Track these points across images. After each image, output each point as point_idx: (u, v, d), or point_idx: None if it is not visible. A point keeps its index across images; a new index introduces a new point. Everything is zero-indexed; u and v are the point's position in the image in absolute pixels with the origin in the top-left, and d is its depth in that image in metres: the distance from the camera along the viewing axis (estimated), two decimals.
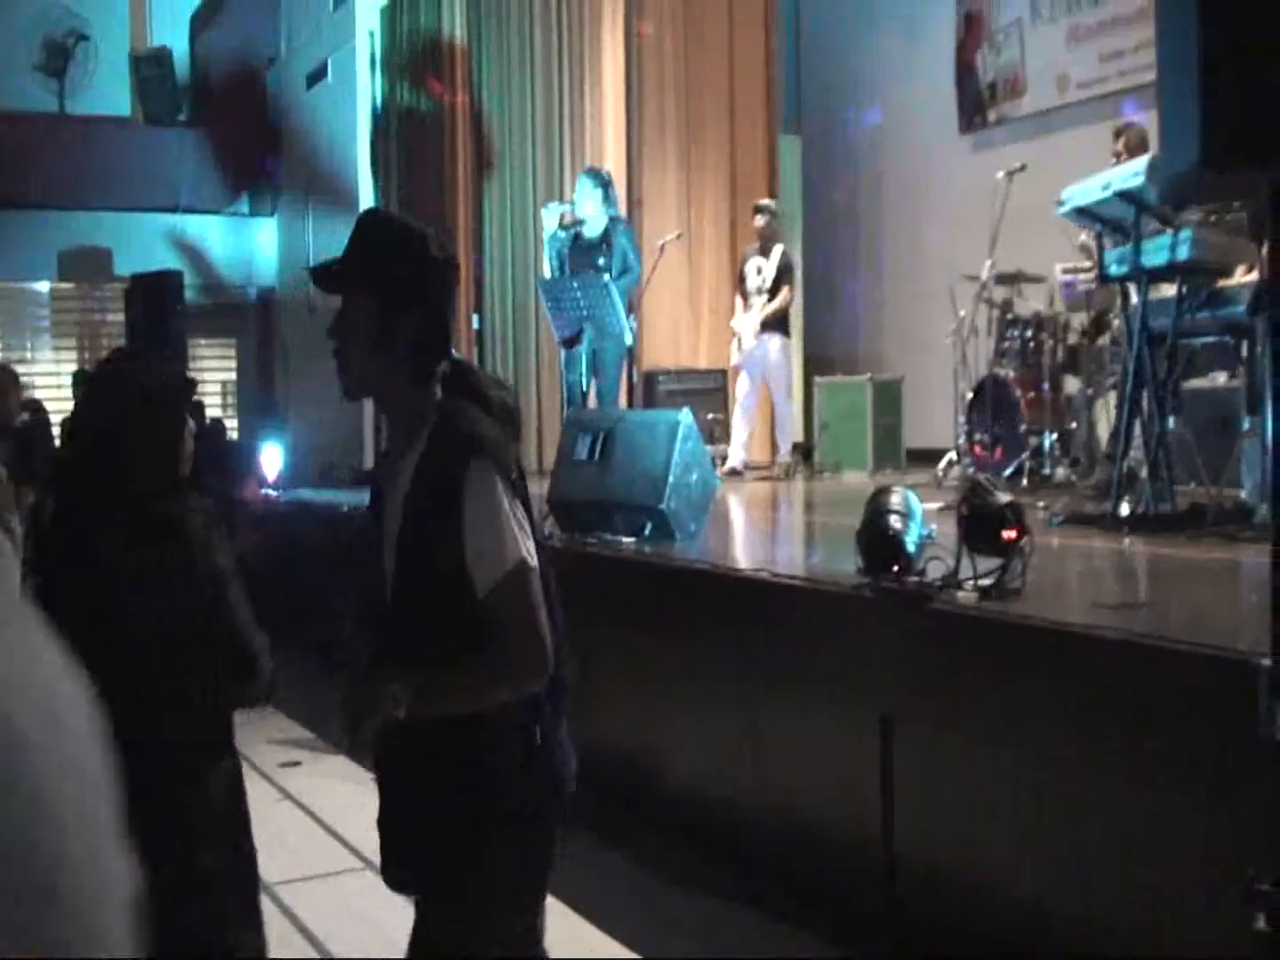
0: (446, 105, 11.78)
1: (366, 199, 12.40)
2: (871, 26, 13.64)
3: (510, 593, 2.57)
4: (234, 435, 14.08)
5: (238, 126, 14.62)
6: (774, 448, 11.22)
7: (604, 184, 9.34)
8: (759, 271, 10.90)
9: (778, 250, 10.93)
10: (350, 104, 12.61)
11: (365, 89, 12.54)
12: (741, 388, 10.97)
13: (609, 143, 12.26)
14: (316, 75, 13.52)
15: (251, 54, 14.74)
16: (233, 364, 15.27)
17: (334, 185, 13.00)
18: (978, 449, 9.25)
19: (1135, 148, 7.96)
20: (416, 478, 2.65)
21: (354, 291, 2.71)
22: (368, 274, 2.69)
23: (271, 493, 11.35)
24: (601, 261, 9.12)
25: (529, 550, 2.62)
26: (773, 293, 10.78)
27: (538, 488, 9.66)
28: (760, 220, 11.00)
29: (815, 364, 12.71)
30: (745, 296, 11.00)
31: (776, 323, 10.84)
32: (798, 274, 11.60)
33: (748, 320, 10.85)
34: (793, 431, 11.24)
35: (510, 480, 2.62)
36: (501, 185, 12.13)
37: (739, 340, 10.94)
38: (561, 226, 9.33)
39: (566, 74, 12.22)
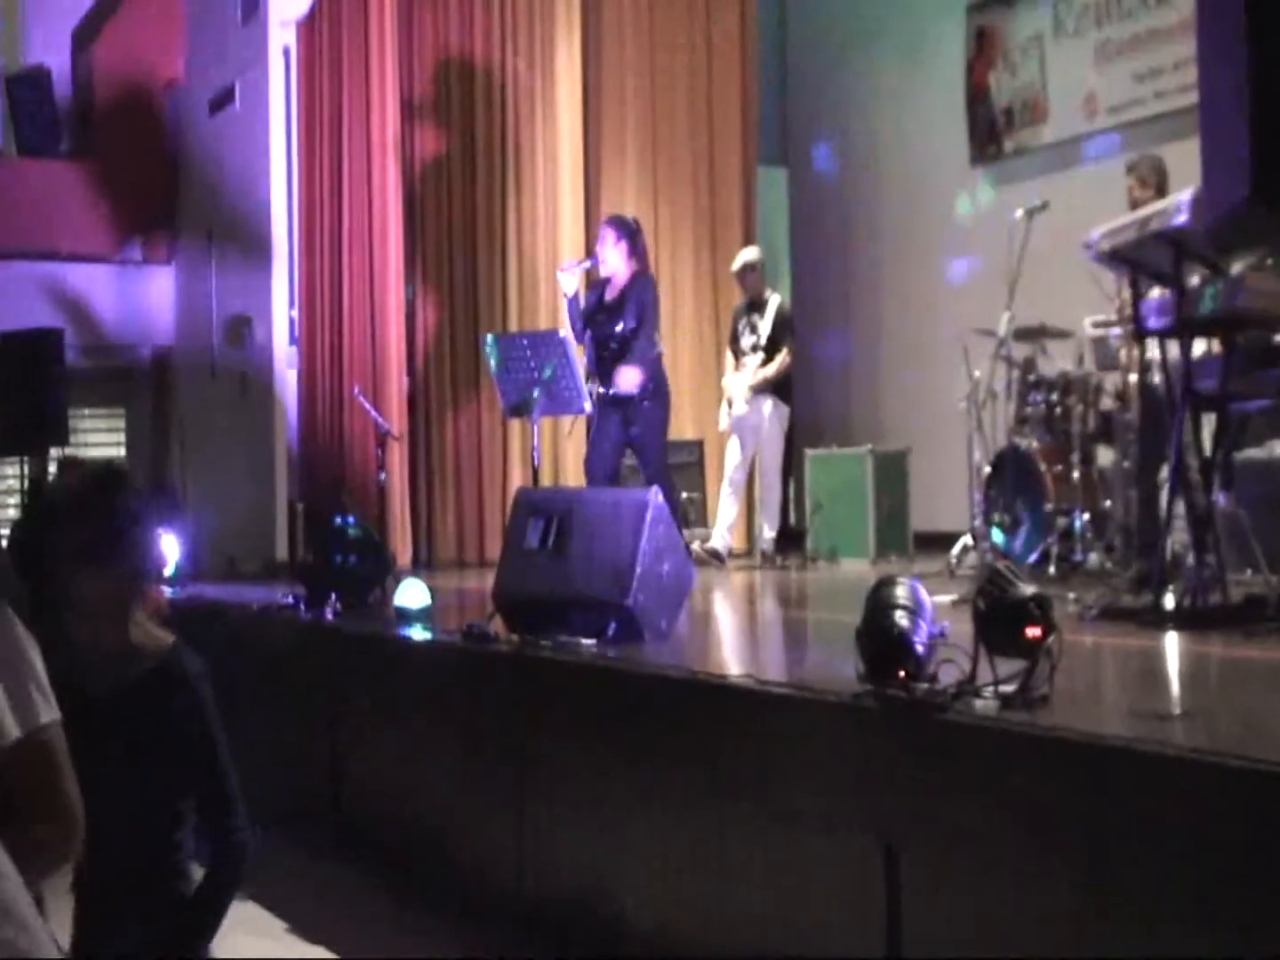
0: (373, 135, 11.84)
1: (280, 244, 12.44)
2: (868, 43, 13.80)
3: (26, 763, 2.53)
4: None
5: (129, 159, 14.63)
6: (753, 532, 11.26)
7: (630, 233, 9.46)
8: (753, 330, 11.00)
9: (774, 302, 11.05)
10: (262, 133, 12.66)
11: (279, 116, 12.60)
12: (731, 458, 11.03)
13: (563, 180, 12.35)
14: (222, 100, 13.57)
15: (146, 75, 14.79)
16: (121, 437, 15.22)
17: (242, 228, 13.03)
18: (997, 533, 9.29)
19: (1151, 182, 8.09)
20: None
21: None
22: None
23: (166, 590, 11.28)
24: (620, 326, 9.25)
25: (42, 702, 2.56)
26: (769, 351, 10.86)
27: (479, 581, 9.70)
28: (750, 278, 11.13)
29: (805, 433, 12.74)
30: (738, 355, 11.09)
31: (773, 386, 10.92)
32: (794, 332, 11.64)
33: (740, 380, 10.92)
34: (779, 513, 11.28)
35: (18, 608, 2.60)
36: (438, 228, 12.19)
37: (729, 402, 11.00)
38: (588, 288, 9.48)
39: (511, 102, 12.31)
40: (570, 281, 9.43)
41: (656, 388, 9.42)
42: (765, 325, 10.96)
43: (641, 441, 9.53)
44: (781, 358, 10.89)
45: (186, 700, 3.53)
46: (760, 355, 10.89)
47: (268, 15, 12.60)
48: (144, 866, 3.47)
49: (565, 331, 9.25)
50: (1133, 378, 8.28)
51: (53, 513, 3.48)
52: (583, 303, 9.58)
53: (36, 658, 2.57)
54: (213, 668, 3.62)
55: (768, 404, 10.93)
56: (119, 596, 3.49)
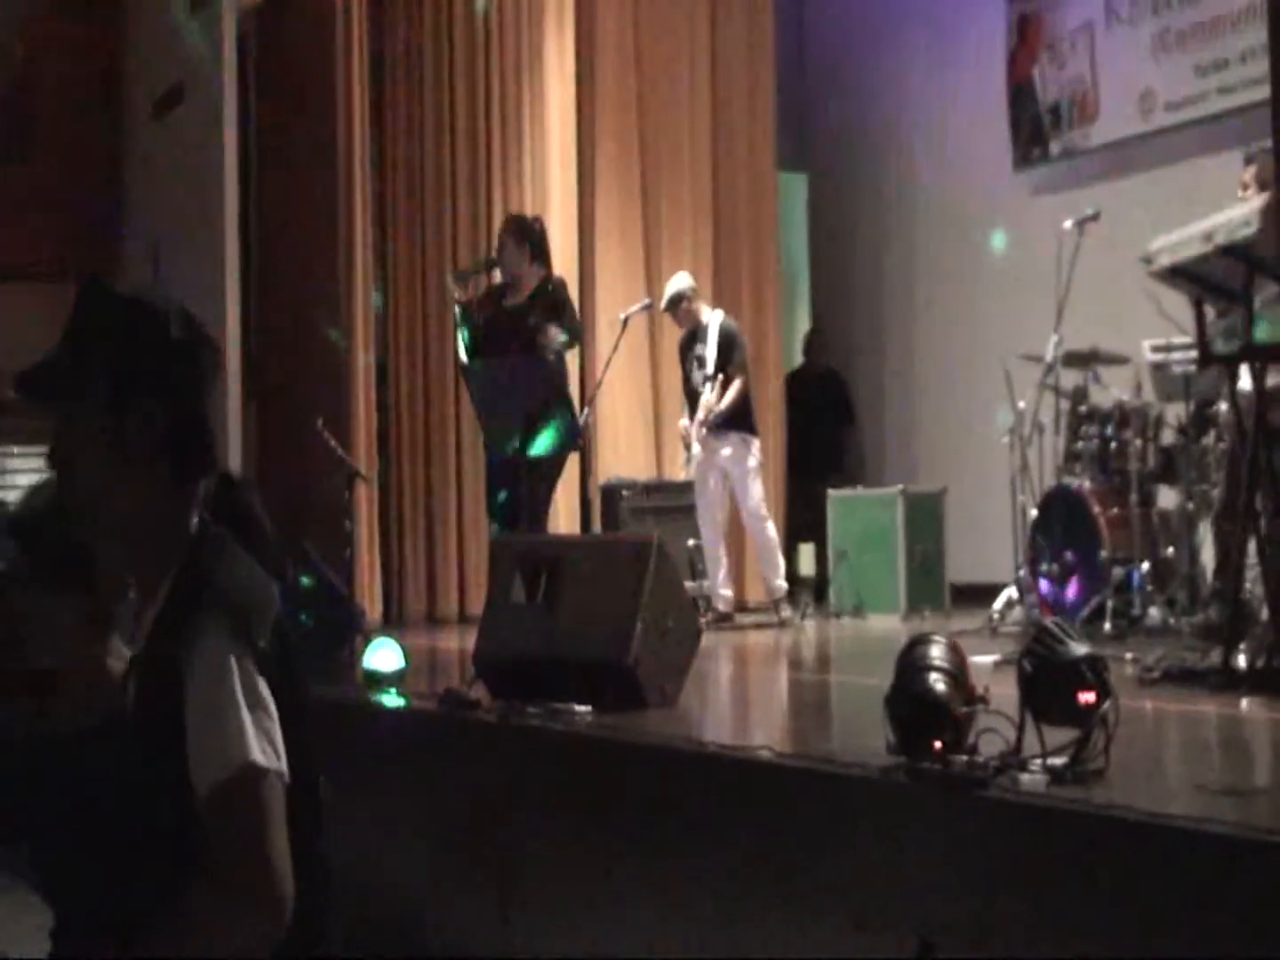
0: (340, 137, 11.87)
1: (234, 257, 12.45)
2: (896, 34, 13.84)
3: (230, 805, 2.54)
4: None
5: (61, 166, 14.68)
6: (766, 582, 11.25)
7: (533, 238, 9.50)
8: (701, 363, 10.91)
9: (714, 321, 10.95)
10: (214, 136, 12.69)
11: (232, 115, 12.64)
12: (699, 504, 11.00)
13: (553, 190, 12.36)
14: (169, 99, 13.61)
15: (80, 71, 14.84)
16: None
17: (191, 241, 13.06)
18: (1045, 584, 9.28)
19: (1271, 182, 8.06)
20: (148, 644, 2.65)
21: (73, 394, 2.72)
22: (87, 368, 2.71)
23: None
24: (549, 333, 9.24)
25: (266, 749, 2.58)
26: (725, 383, 10.75)
27: (459, 640, 9.69)
28: (682, 311, 11.04)
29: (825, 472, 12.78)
30: (692, 397, 10.98)
31: (729, 421, 10.80)
32: (748, 351, 11.46)
33: (694, 422, 10.83)
34: (778, 561, 11.22)
35: (257, 649, 2.61)
36: (411, 241, 12.21)
37: (686, 445, 10.95)
38: (485, 295, 9.49)
39: (496, 104, 12.34)
40: (459, 290, 9.60)
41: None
42: (711, 351, 10.87)
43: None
44: (735, 385, 10.77)
45: None
46: (714, 388, 10.77)
47: (220, 2, 12.63)
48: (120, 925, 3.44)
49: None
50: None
51: (20, 531, 3.46)
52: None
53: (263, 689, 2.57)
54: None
55: (729, 441, 10.82)
56: (94, 621, 3.47)
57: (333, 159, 11.92)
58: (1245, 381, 7.28)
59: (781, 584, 11.04)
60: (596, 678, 6.48)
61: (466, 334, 9.48)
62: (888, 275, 13.99)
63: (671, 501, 11.85)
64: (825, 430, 13.18)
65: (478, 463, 11.71)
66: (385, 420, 12.06)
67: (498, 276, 9.82)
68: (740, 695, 8.17)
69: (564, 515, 11.54)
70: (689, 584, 8.84)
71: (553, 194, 12.30)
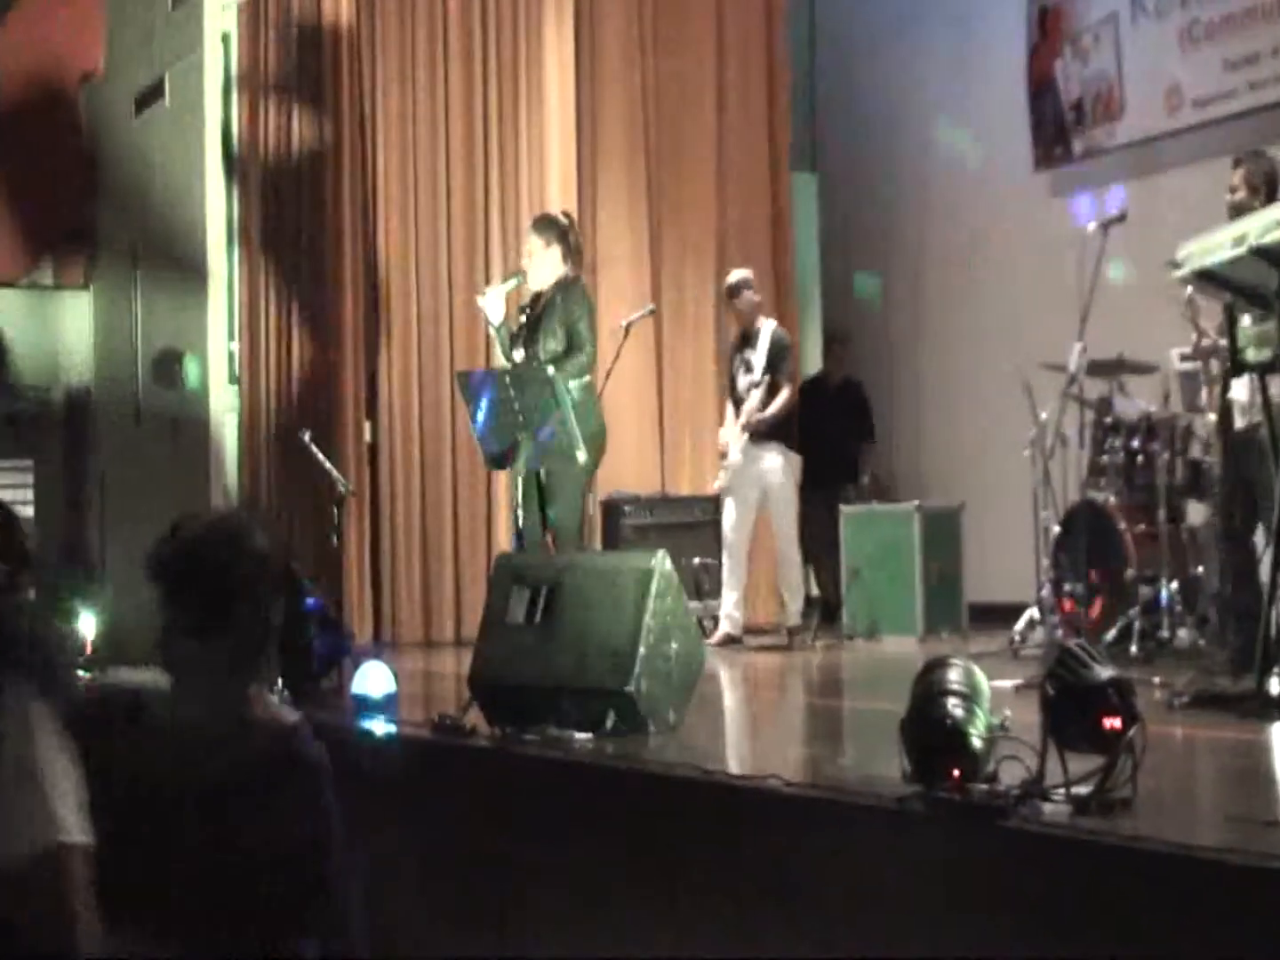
0: (329, 134, 11.88)
1: (218, 263, 12.47)
2: (911, 28, 13.85)
3: (38, 881, 2.58)
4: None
5: (38, 165, 14.71)
6: (781, 604, 11.23)
7: (560, 233, 9.43)
8: (749, 367, 10.95)
9: (766, 329, 11.01)
10: (195, 134, 12.71)
11: (215, 113, 12.65)
12: (727, 519, 11.00)
13: (552, 186, 12.35)
14: (149, 96, 13.65)
15: (57, 67, 14.87)
16: (28, 495, 15.23)
17: (172, 245, 13.07)
18: (1068, 604, 9.27)
19: (1260, 185, 8.08)
20: None
21: None
22: None
23: (83, 674, 11.26)
24: (552, 344, 9.20)
25: (71, 822, 2.63)
26: (771, 390, 10.81)
27: (454, 664, 9.68)
28: (744, 300, 11.09)
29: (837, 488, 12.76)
30: (738, 403, 11.04)
31: (774, 430, 10.86)
32: (796, 362, 11.55)
33: (735, 430, 10.88)
34: (801, 582, 11.24)
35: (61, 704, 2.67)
36: (404, 242, 12.20)
37: (723, 456, 10.97)
38: (520, 309, 9.40)
39: (494, 93, 12.35)
40: (495, 307, 9.34)
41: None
42: (760, 358, 10.92)
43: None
44: (784, 394, 10.84)
45: (297, 794, 3.52)
46: (759, 395, 10.82)
47: None
48: None
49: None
50: (1211, 417, 8.27)
51: (161, 577, 3.52)
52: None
53: (70, 773, 2.57)
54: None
55: (771, 452, 10.86)
56: (232, 670, 3.53)
57: (321, 149, 11.96)
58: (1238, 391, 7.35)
59: (799, 609, 11.03)
60: (596, 704, 6.49)
61: (507, 348, 9.33)
62: (902, 280, 13.98)
63: (675, 518, 11.85)
64: (841, 443, 13.09)
65: (474, 476, 11.72)
66: (376, 432, 12.04)
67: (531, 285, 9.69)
68: (747, 721, 8.17)
69: None
70: (693, 605, 8.82)
71: (551, 195, 12.29)
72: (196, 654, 3.48)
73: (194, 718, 3.48)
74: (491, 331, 9.50)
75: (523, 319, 9.35)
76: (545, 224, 9.60)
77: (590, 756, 6.18)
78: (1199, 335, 8.20)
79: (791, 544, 11.06)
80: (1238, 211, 7.85)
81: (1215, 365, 8.18)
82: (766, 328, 11.06)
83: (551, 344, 9.12)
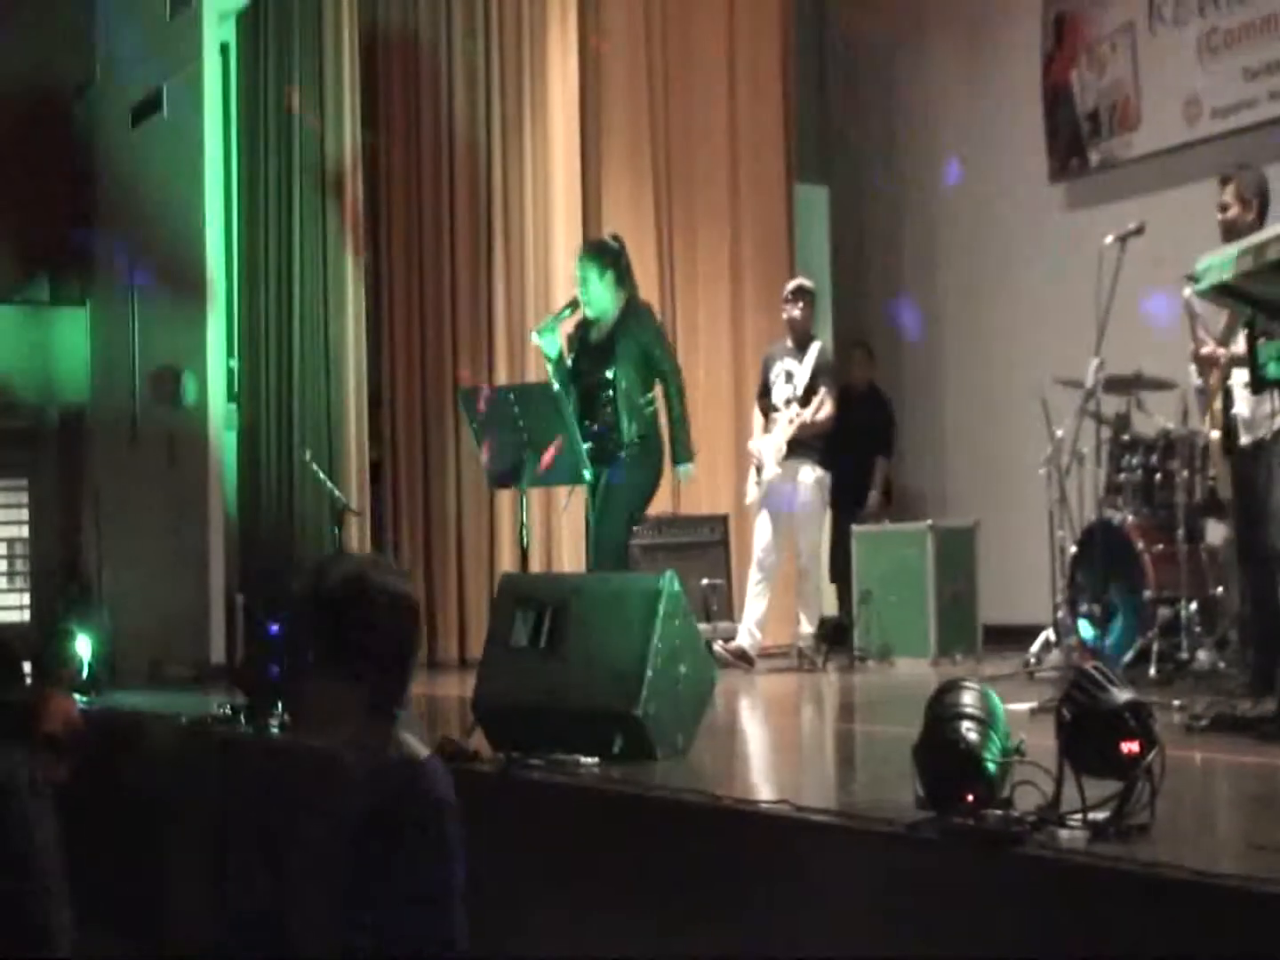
0: (330, 145, 11.88)
1: (217, 281, 12.48)
2: (924, 36, 13.88)
3: None
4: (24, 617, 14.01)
5: (33, 180, 14.72)
6: (796, 622, 11.23)
7: (614, 258, 9.44)
8: (789, 378, 10.97)
9: (815, 347, 11.04)
10: (195, 146, 12.72)
11: (214, 125, 12.67)
12: (760, 536, 11.00)
13: (557, 195, 12.37)
14: (146, 107, 13.66)
15: (52, 78, 14.88)
16: (24, 514, 15.23)
17: (170, 260, 13.08)
18: (1085, 625, 9.26)
19: (1253, 202, 8.08)
20: None
21: None
22: None
23: (80, 698, 11.25)
24: (612, 373, 9.22)
25: None
26: (805, 404, 10.82)
27: (457, 686, 9.68)
28: (798, 310, 11.12)
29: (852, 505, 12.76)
30: (767, 412, 11.06)
31: (810, 446, 10.87)
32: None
33: (770, 441, 10.88)
34: (820, 602, 11.25)
35: None
36: (408, 260, 12.21)
37: (758, 469, 10.96)
38: (571, 340, 9.45)
39: (496, 113, 12.36)
40: (552, 342, 9.36)
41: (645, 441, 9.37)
42: (804, 373, 10.93)
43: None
44: (826, 408, 10.83)
45: (421, 834, 3.63)
46: (796, 410, 10.81)
47: (201, 5, 12.66)
48: None
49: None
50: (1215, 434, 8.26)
51: (298, 619, 3.72)
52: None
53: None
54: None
55: (805, 467, 10.89)
56: (374, 710, 3.71)
57: (322, 161, 11.95)
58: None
59: (813, 629, 11.02)
60: (603, 727, 6.48)
61: (565, 382, 9.31)
62: (914, 295, 13.96)
63: (685, 538, 11.84)
64: (860, 457, 12.94)
65: (479, 494, 11.72)
66: (379, 449, 12.04)
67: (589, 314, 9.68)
68: (758, 745, 8.15)
69: (569, 552, 11.54)
70: (703, 626, 8.81)
71: (556, 207, 12.30)
72: (336, 695, 3.64)
73: (327, 758, 3.58)
74: (548, 366, 9.49)
75: (576, 347, 9.41)
76: (597, 250, 9.66)
77: (597, 781, 6.17)
78: (1196, 344, 8.18)
79: (815, 561, 11.08)
80: (1231, 228, 7.86)
81: (1214, 376, 8.16)
82: (815, 346, 11.09)
83: (630, 371, 9.17)
